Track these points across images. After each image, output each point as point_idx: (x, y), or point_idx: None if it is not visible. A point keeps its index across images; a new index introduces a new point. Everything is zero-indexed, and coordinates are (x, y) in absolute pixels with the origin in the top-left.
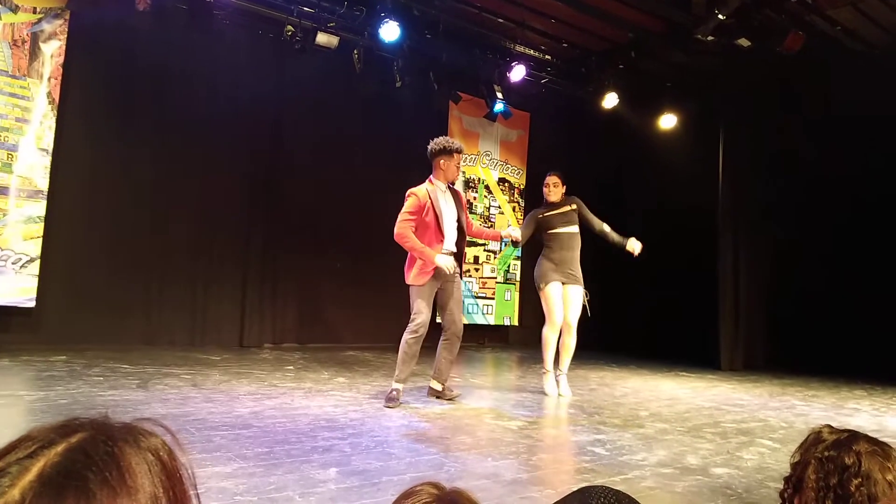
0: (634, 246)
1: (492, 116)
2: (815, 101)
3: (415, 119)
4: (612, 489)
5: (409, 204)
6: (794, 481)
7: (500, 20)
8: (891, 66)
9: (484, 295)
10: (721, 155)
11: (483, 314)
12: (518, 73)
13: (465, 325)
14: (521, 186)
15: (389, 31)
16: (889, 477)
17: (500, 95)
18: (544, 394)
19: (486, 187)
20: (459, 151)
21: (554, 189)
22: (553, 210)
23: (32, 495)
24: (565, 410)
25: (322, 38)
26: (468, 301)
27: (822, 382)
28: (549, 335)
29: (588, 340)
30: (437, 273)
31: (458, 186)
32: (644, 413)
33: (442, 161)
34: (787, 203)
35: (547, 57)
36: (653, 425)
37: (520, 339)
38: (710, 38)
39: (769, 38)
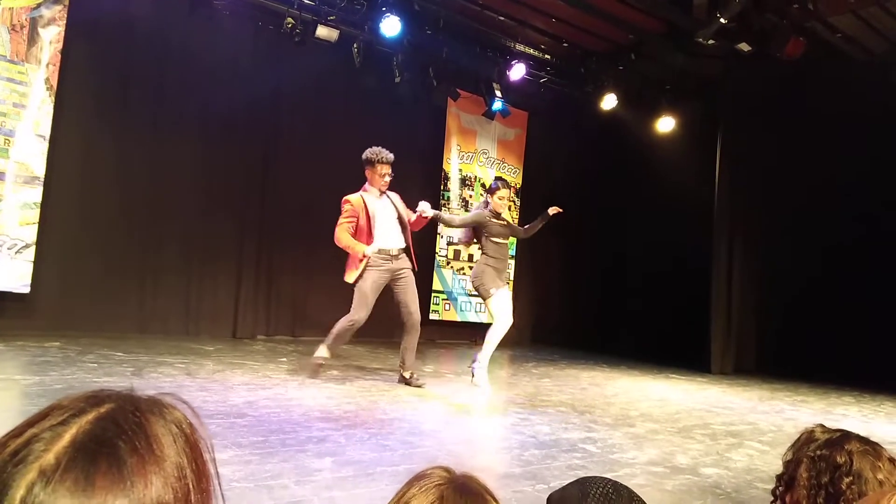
0: (552, 211)
1: (490, 114)
2: (814, 107)
3: (413, 115)
4: (611, 480)
5: (344, 210)
6: (786, 479)
7: (501, 18)
8: (890, 73)
9: (477, 293)
10: (718, 159)
11: (476, 312)
12: (518, 71)
13: (458, 322)
14: (518, 185)
15: (390, 26)
16: (880, 476)
17: (498, 94)
18: (476, 386)
19: (483, 185)
20: (382, 162)
21: (507, 202)
22: (499, 220)
23: (67, 460)
24: (556, 408)
25: (322, 32)
26: (461, 299)
27: (811, 388)
28: (499, 336)
29: (579, 341)
30: (372, 264)
31: (454, 184)
32: (635, 413)
33: (367, 171)
34: (781, 208)
35: (547, 56)
36: (643, 425)
37: (511, 338)
38: (710, 41)
39: (770, 44)
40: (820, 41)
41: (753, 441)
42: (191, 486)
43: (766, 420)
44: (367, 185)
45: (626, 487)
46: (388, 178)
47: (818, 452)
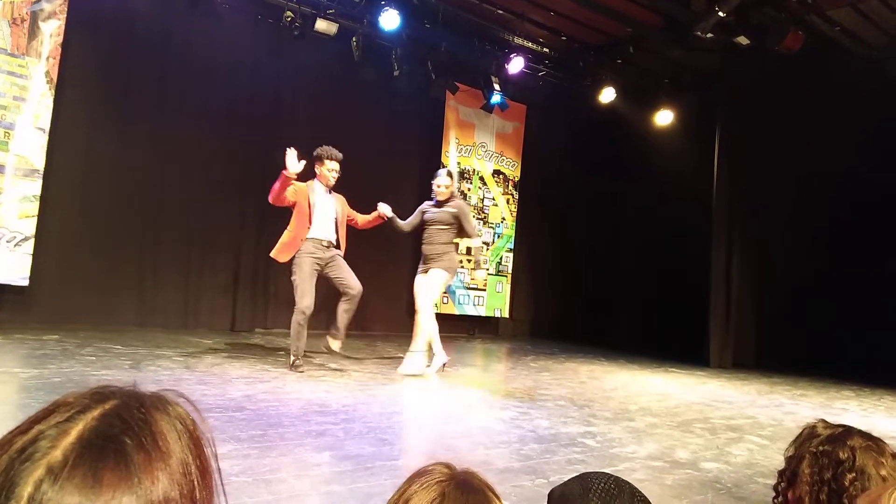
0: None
1: (488, 108)
2: (813, 100)
3: (412, 108)
4: (612, 475)
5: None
6: (788, 475)
7: (500, 11)
8: (888, 66)
9: (475, 286)
10: (717, 152)
11: (474, 305)
12: (516, 65)
13: (456, 315)
14: (516, 178)
15: (389, 20)
16: (883, 472)
17: (497, 87)
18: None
19: (481, 178)
20: (330, 158)
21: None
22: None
23: (74, 457)
24: (555, 402)
25: (321, 25)
26: (459, 292)
27: (810, 382)
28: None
29: (578, 335)
30: (305, 251)
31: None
32: (634, 407)
33: (315, 165)
34: (780, 201)
35: (545, 50)
36: (643, 419)
37: (510, 331)
38: (709, 35)
39: (768, 37)
40: (818, 35)
41: (753, 435)
42: (195, 482)
43: (765, 414)
44: (317, 178)
45: (628, 483)
46: (335, 175)
47: (821, 448)
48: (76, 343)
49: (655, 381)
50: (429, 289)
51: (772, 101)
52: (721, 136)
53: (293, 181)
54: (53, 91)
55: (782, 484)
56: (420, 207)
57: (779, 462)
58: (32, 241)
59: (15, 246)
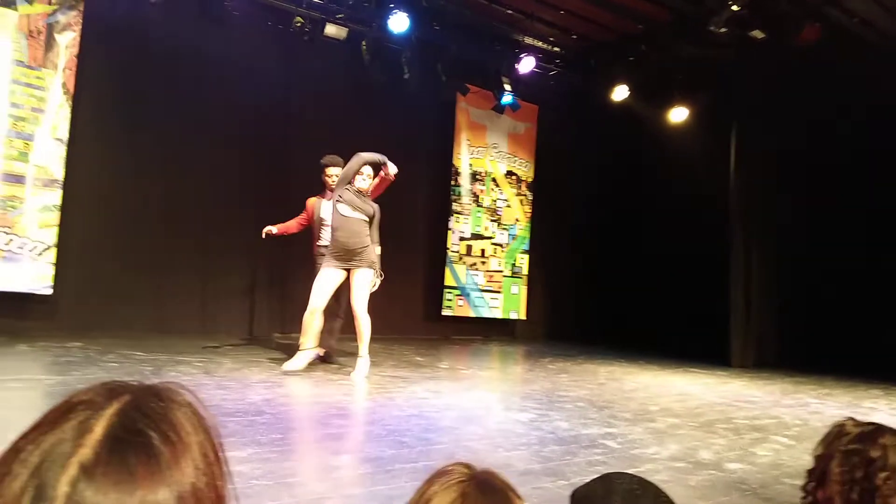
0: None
1: (500, 109)
2: (831, 94)
3: (422, 111)
4: (636, 475)
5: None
6: (817, 474)
7: (509, 11)
8: None
9: (490, 288)
10: (733, 149)
11: (489, 308)
12: (527, 64)
13: (472, 318)
14: (529, 179)
15: (398, 23)
16: None
17: (508, 87)
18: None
19: (494, 180)
20: (328, 165)
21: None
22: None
23: (106, 453)
24: (574, 404)
25: (331, 30)
26: (474, 294)
27: (836, 381)
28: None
29: (596, 336)
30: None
31: (465, 179)
32: (654, 408)
33: (322, 175)
34: (800, 197)
35: (556, 49)
36: (664, 420)
37: (526, 333)
38: (722, 29)
39: (784, 30)
40: (836, 26)
41: (779, 436)
42: (214, 470)
43: (790, 414)
44: (325, 188)
45: (652, 483)
46: (335, 180)
47: (851, 447)
48: (98, 350)
49: (676, 382)
50: (367, 292)
51: (788, 96)
52: (737, 131)
53: (283, 232)
54: (70, 102)
55: (811, 484)
56: (318, 199)
57: (806, 462)
58: (54, 250)
59: (38, 255)
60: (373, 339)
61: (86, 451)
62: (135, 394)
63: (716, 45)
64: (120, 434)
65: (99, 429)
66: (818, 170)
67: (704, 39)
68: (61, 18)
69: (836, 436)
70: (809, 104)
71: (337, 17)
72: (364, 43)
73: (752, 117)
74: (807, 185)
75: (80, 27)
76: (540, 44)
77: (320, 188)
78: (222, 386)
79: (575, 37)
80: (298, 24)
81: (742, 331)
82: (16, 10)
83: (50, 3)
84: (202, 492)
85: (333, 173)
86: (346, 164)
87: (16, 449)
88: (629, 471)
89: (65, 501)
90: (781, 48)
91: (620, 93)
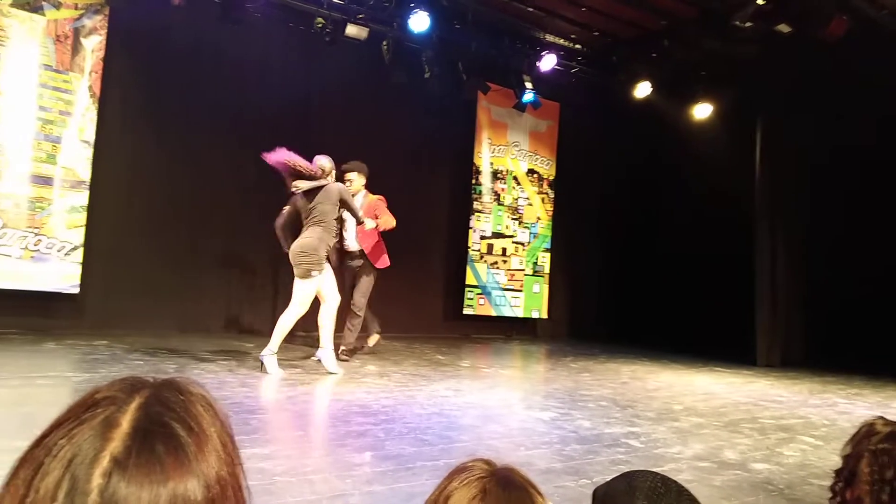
0: None
1: (521, 107)
2: (859, 88)
3: (443, 109)
4: (659, 474)
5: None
6: (846, 474)
7: (530, 9)
8: None
9: (512, 287)
10: (758, 145)
11: (511, 306)
12: (548, 62)
13: (493, 316)
14: (551, 177)
15: (419, 22)
16: None
17: (529, 85)
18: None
19: (515, 178)
20: (344, 171)
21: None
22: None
23: (136, 446)
24: (597, 403)
25: (351, 30)
26: (495, 293)
27: (865, 380)
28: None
29: (618, 335)
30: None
31: (486, 177)
32: (678, 407)
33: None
34: (827, 193)
35: (577, 46)
36: (688, 419)
37: (548, 332)
38: (747, 24)
39: (811, 24)
40: (864, 18)
41: (805, 436)
42: (233, 458)
43: (818, 414)
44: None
45: (675, 481)
46: (349, 184)
47: (880, 446)
48: (124, 348)
49: (700, 381)
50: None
51: (815, 90)
52: (763, 127)
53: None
54: (96, 105)
55: (840, 484)
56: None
57: (834, 462)
58: (81, 250)
59: (65, 255)
60: (395, 338)
61: (116, 445)
62: (154, 388)
63: (740, 41)
64: (147, 427)
65: (125, 423)
66: (845, 167)
67: (729, 34)
68: (87, 23)
69: (866, 435)
70: (836, 99)
71: (357, 17)
72: (385, 43)
73: (777, 114)
74: (834, 182)
75: (105, 31)
76: (561, 41)
77: None
78: (245, 384)
79: (597, 33)
80: (319, 25)
81: (768, 329)
82: (43, 15)
83: (76, 8)
84: (225, 480)
85: (350, 178)
86: (361, 168)
87: (43, 445)
88: (652, 470)
89: (99, 494)
90: (807, 42)
91: (643, 90)
